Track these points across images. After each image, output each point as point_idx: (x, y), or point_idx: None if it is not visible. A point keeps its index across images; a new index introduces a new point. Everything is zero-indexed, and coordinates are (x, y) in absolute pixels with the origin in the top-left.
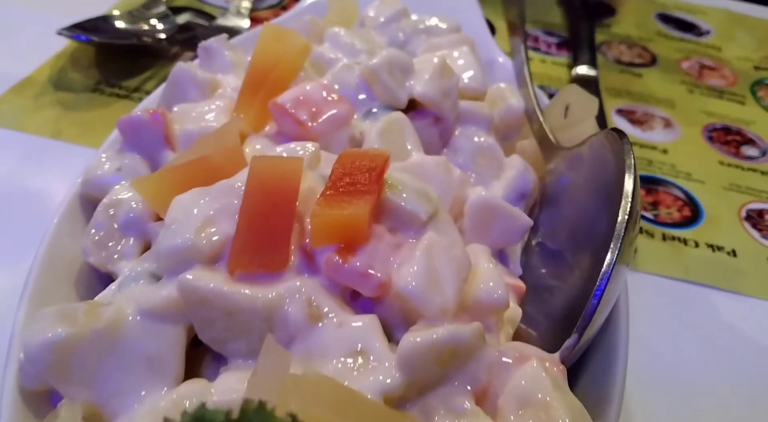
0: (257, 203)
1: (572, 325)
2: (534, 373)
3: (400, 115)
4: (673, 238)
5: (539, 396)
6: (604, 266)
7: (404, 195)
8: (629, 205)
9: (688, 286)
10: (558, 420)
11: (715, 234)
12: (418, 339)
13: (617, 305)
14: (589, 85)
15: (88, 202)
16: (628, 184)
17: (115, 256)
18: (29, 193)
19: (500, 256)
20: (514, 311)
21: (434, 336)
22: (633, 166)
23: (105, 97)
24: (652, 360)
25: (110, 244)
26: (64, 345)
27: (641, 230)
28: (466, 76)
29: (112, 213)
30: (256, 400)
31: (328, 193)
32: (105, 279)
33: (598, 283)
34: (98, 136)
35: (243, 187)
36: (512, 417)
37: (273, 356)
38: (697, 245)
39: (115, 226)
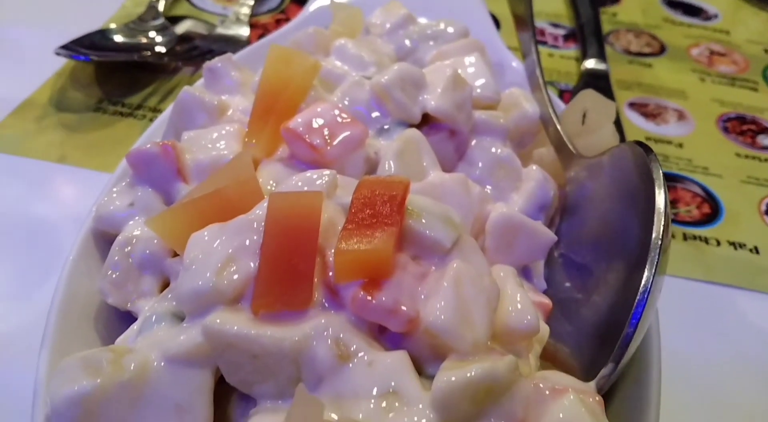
0: (277, 242)
1: (603, 340)
2: (572, 407)
3: (414, 132)
4: (695, 237)
5: None
6: (639, 293)
7: (427, 222)
8: (663, 221)
9: (712, 288)
10: None
11: (736, 231)
12: (453, 379)
13: (648, 333)
14: (600, 79)
15: (102, 237)
16: (660, 200)
17: (134, 296)
18: (38, 221)
19: (524, 272)
20: (542, 329)
21: (468, 374)
22: (663, 183)
23: (108, 115)
24: (680, 365)
25: (128, 284)
26: (91, 398)
27: None
28: (479, 84)
29: (127, 250)
30: None
31: (349, 226)
32: (125, 316)
33: (633, 310)
34: (104, 158)
35: (261, 223)
36: None
37: (305, 406)
38: (718, 243)
39: (132, 264)
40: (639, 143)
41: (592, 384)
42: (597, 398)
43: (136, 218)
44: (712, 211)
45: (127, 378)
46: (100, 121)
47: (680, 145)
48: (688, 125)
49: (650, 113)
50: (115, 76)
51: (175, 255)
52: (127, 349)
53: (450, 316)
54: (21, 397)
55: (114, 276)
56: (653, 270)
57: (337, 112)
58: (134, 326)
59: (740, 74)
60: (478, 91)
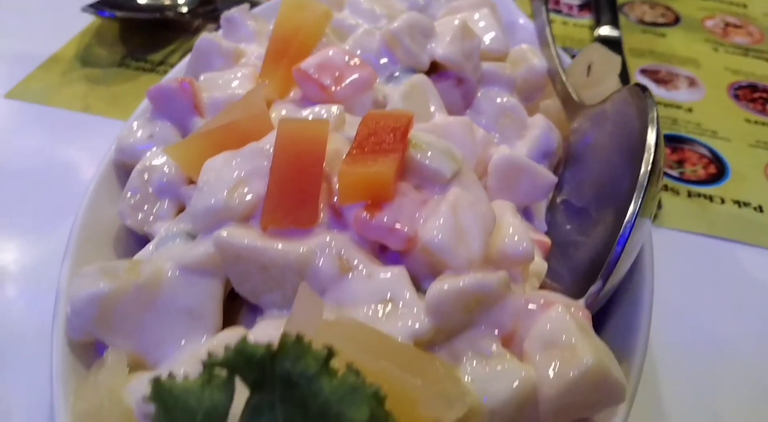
0: (286, 164)
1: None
2: (559, 317)
3: (422, 76)
4: (699, 195)
5: (564, 338)
6: (628, 214)
7: (429, 153)
8: (652, 156)
9: (714, 241)
10: (583, 360)
11: (741, 190)
12: (446, 287)
13: (642, 256)
14: (612, 45)
15: (122, 169)
16: (651, 136)
17: (151, 218)
18: (62, 164)
19: (525, 214)
20: (540, 265)
21: (461, 283)
22: (656, 119)
23: (131, 71)
24: (677, 313)
25: (146, 207)
26: (107, 299)
27: (666, 187)
28: (488, 37)
29: (146, 178)
30: (294, 334)
31: (354, 152)
32: (142, 241)
33: (621, 231)
34: (127, 109)
35: (272, 149)
36: (538, 357)
37: (307, 302)
38: (723, 201)
39: (150, 190)
40: (638, 85)
41: (581, 301)
42: (585, 312)
43: (154, 149)
44: (718, 171)
45: (143, 282)
46: (123, 76)
47: (690, 110)
48: (699, 92)
49: (661, 79)
50: (139, 34)
51: (192, 183)
52: (143, 261)
53: (447, 235)
54: (44, 316)
55: (133, 200)
56: (642, 195)
57: (347, 55)
58: (149, 246)
59: (755, 45)
60: (487, 43)
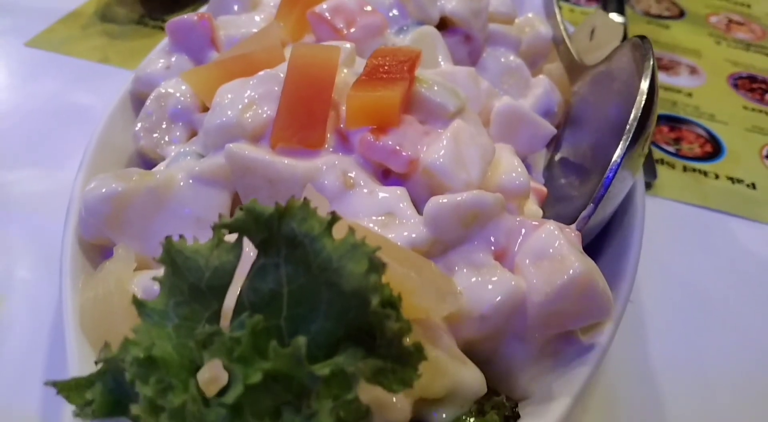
0: (297, 85)
1: None
2: (550, 233)
3: (431, 28)
4: (694, 170)
5: (551, 251)
6: (620, 144)
7: (435, 87)
8: (645, 94)
9: (707, 212)
10: (571, 268)
11: (735, 168)
12: (444, 201)
13: (633, 196)
14: None
15: (138, 99)
16: (644, 83)
17: (164, 141)
18: (78, 108)
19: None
20: (535, 211)
21: (459, 198)
22: (651, 67)
23: (149, 29)
24: (667, 272)
25: (160, 130)
26: (120, 198)
27: (662, 161)
28: (495, 1)
29: (162, 103)
30: (301, 199)
31: (363, 78)
32: (152, 167)
33: (614, 159)
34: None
35: (284, 75)
36: (527, 263)
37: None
38: (717, 177)
39: (165, 115)
40: (638, 36)
41: (573, 225)
42: (576, 233)
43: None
44: (713, 150)
45: (154, 186)
46: (141, 33)
47: (689, 94)
48: (700, 79)
49: (663, 66)
50: None
51: (205, 110)
52: (156, 171)
53: (448, 159)
54: (52, 242)
55: (147, 123)
56: (635, 126)
57: (360, 2)
58: (160, 166)
59: (757, 41)
60: (495, 5)
